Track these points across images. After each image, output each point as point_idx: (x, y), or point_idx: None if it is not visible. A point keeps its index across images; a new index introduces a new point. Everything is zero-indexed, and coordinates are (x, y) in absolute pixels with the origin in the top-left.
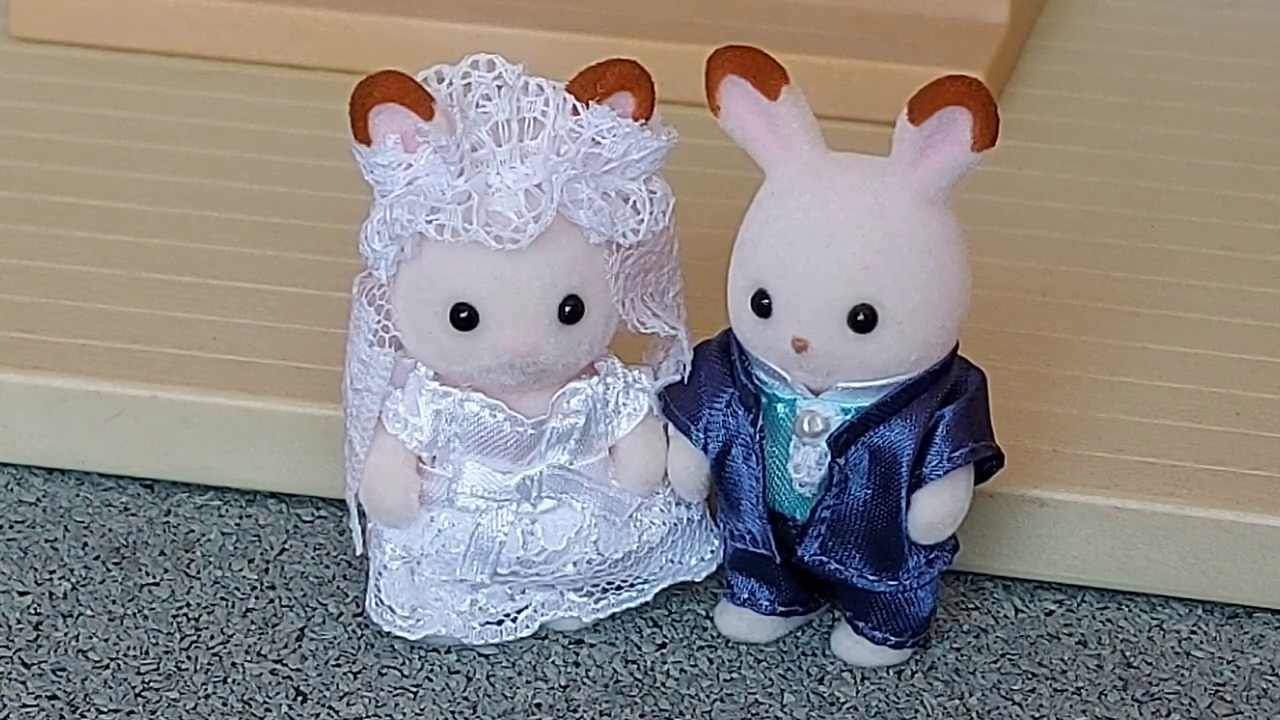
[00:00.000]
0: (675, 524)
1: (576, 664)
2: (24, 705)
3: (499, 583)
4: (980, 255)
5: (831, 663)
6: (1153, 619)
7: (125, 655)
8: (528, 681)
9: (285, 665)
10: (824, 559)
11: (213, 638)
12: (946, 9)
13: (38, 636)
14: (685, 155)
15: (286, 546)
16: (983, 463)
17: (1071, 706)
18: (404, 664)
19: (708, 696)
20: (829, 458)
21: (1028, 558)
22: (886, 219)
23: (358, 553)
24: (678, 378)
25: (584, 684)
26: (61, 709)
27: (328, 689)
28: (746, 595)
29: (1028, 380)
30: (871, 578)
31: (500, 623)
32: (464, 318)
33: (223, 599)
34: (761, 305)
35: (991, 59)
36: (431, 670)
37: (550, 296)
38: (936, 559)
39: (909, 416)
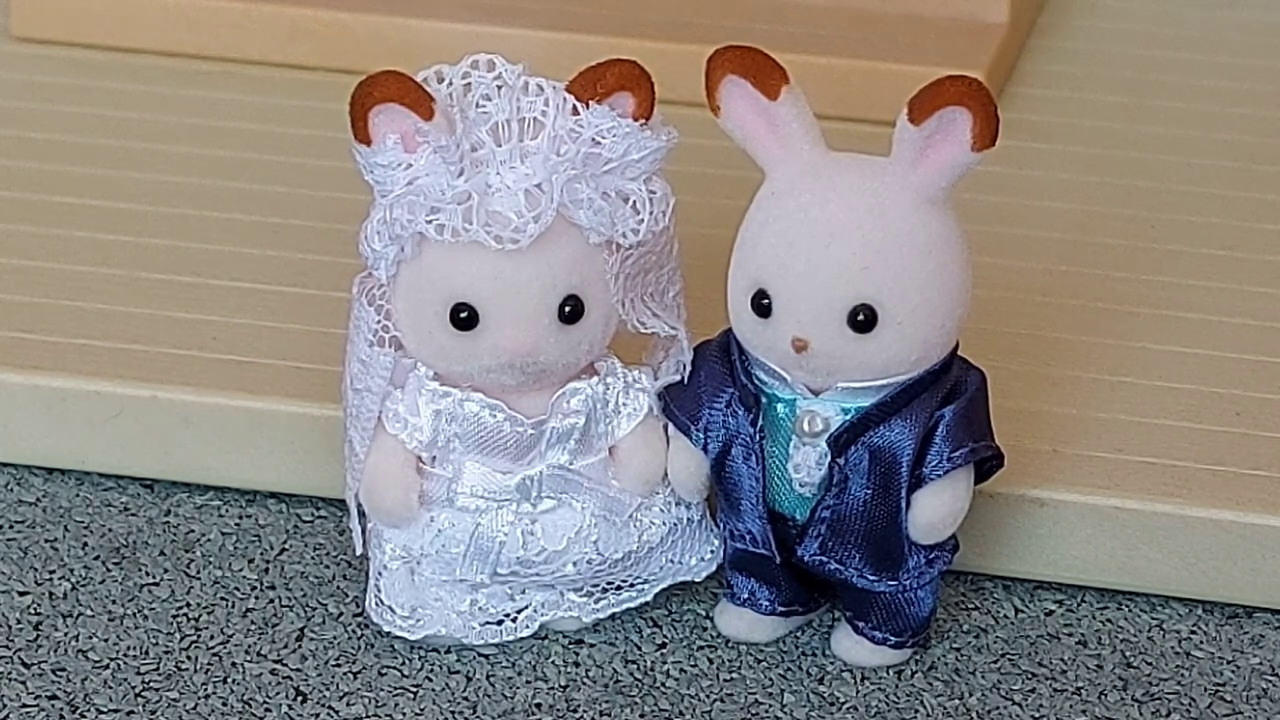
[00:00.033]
0: (675, 524)
1: (576, 664)
2: (24, 705)
3: (499, 583)
4: (980, 255)
5: (831, 663)
6: (1153, 619)
7: (125, 655)
8: (528, 681)
9: (285, 665)
10: (824, 559)
11: (213, 638)
12: (946, 9)
13: (38, 636)
14: (685, 155)
15: (286, 546)
16: (983, 463)
17: (1071, 706)
18: (404, 664)
19: (708, 696)
20: (829, 458)
21: (1028, 558)
22: (886, 219)
23: (358, 553)
24: (678, 378)
25: (584, 684)
26: (61, 709)
27: (328, 689)
28: (746, 595)
29: (1028, 380)
30: (871, 578)
31: (500, 623)
32: (464, 318)
33: (223, 599)
34: (761, 305)
35: (991, 59)
36: (431, 670)
37: (550, 296)
38: (936, 559)
39: (909, 416)
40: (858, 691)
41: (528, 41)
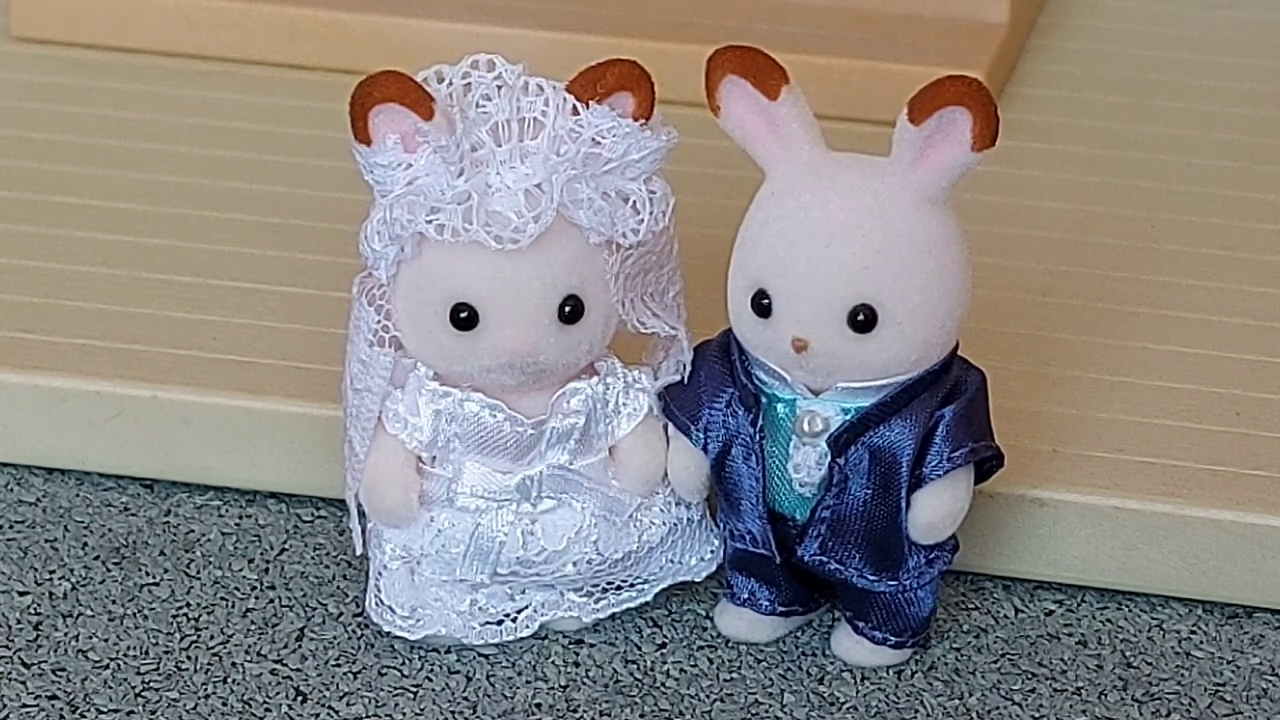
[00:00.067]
0: (675, 524)
1: (576, 664)
2: (24, 705)
3: (499, 583)
4: (980, 255)
5: (831, 663)
6: (1153, 619)
7: (125, 655)
8: (528, 681)
9: (285, 665)
10: (824, 559)
11: (213, 638)
12: (946, 9)
13: (38, 636)
14: (685, 155)
15: (286, 546)
16: (983, 463)
17: (1071, 706)
18: (404, 664)
19: (708, 696)
20: (829, 458)
21: (1028, 558)
22: (886, 219)
23: (358, 553)
24: (678, 378)
25: (584, 684)
26: (61, 709)
27: (328, 689)
28: (746, 595)
29: (1028, 380)
30: (871, 578)
31: (500, 623)
32: (464, 318)
33: (223, 599)
34: (761, 305)
35: (991, 59)
36: (431, 670)
37: (550, 296)
38: (936, 559)
39: (909, 416)
40: (858, 691)
41: (528, 41)
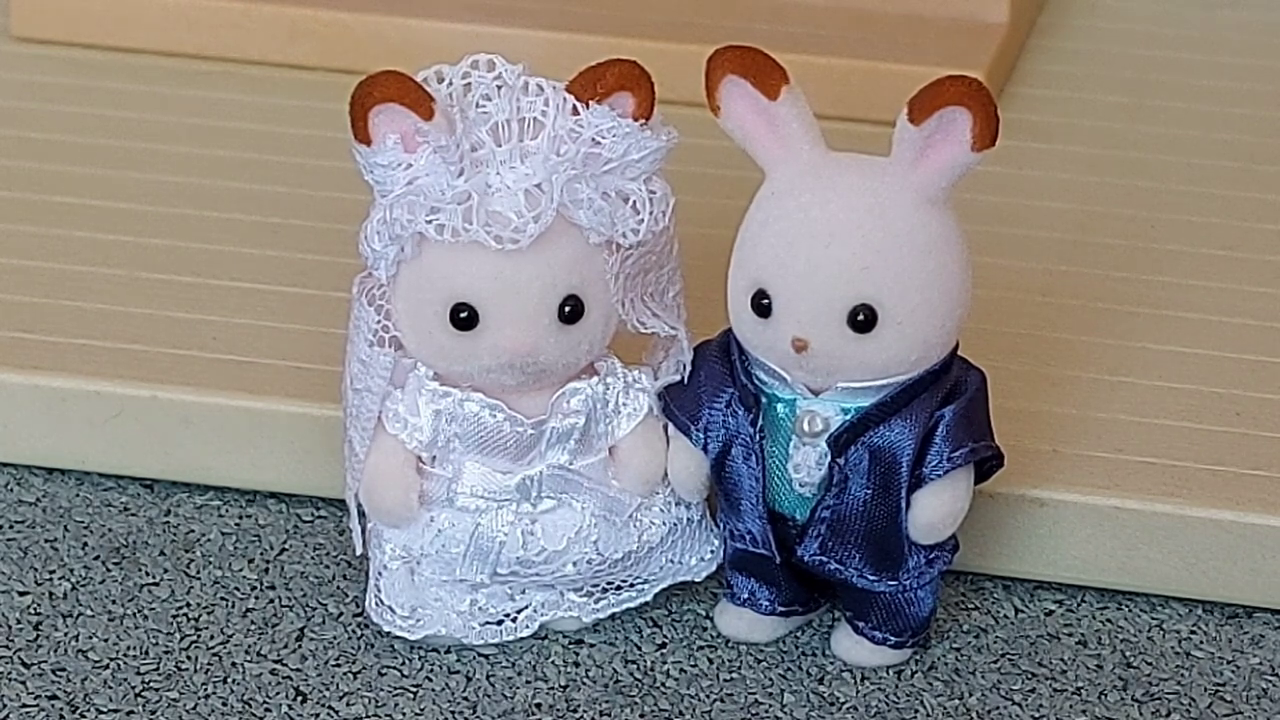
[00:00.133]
0: (675, 524)
1: (576, 664)
2: (24, 705)
3: (499, 583)
4: (980, 255)
5: (831, 663)
6: (1153, 619)
7: (125, 655)
8: (528, 681)
9: (285, 665)
10: (824, 559)
11: (213, 638)
12: (946, 9)
13: (38, 636)
14: (685, 155)
15: (286, 546)
16: (983, 463)
17: (1071, 706)
18: (404, 664)
19: (708, 696)
20: (829, 458)
21: (1028, 558)
22: (886, 219)
23: (358, 553)
24: (678, 378)
25: (584, 684)
26: (61, 709)
27: (328, 689)
28: (746, 595)
29: (1028, 380)
30: (871, 578)
31: (500, 623)
32: (464, 318)
33: (223, 599)
34: (761, 305)
35: (991, 59)
36: (431, 670)
37: (550, 296)
38: (936, 559)
39: (909, 416)
40: (858, 691)
41: (528, 41)
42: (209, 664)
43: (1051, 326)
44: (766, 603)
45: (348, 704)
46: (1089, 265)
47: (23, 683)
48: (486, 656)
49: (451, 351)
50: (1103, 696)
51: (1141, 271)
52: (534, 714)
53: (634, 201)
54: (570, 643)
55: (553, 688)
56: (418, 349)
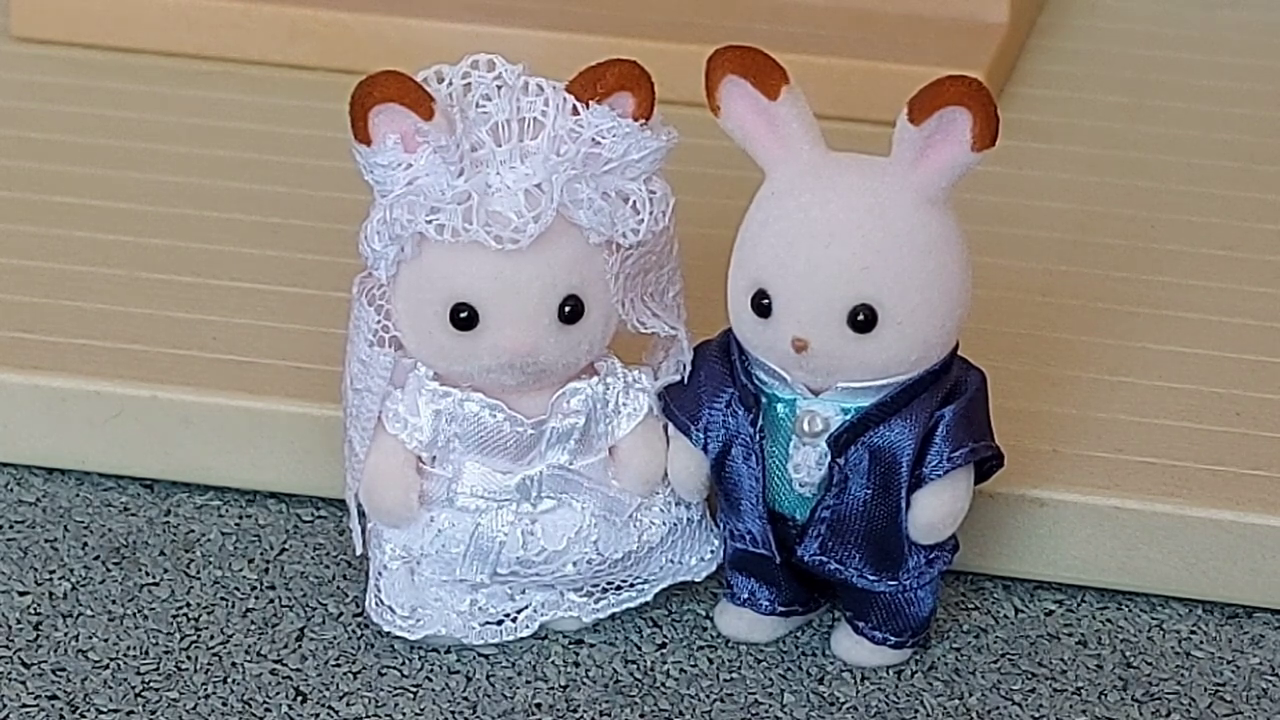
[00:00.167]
0: (675, 524)
1: (576, 664)
2: (24, 705)
3: (499, 583)
4: (980, 255)
5: (831, 663)
6: (1153, 619)
7: (125, 655)
8: (528, 681)
9: (285, 665)
10: (824, 559)
11: (213, 638)
12: (946, 9)
13: (38, 636)
14: (685, 155)
15: (286, 546)
16: (983, 463)
17: (1071, 706)
18: (404, 664)
19: (708, 696)
20: (829, 458)
21: (1028, 558)
22: (886, 219)
23: (358, 553)
24: (678, 378)
25: (584, 684)
26: (61, 709)
27: (328, 689)
28: (746, 595)
29: (1028, 380)
30: (871, 578)
31: (500, 623)
32: (464, 318)
33: (223, 599)
34: (761, 305)
35: (991, 59)
36: (431, 670)
37: (550, 296)
38: (936, 559)
39: (909, 416)
40: (858, 691)
41: (528, 41)
42: (209, 664)
43: (1051, 326)
44: (766, 603)
45: (348, 704)
46: (1089, 265)
47: (23, 683)
48: (486, 656)
49: (451, 351)
50: (1103, 696)
51: (1141, 271)
52: (534, 714)
53: (634, 201)
54: (570, 643)
55: (553, 688)
56: (418, 349)
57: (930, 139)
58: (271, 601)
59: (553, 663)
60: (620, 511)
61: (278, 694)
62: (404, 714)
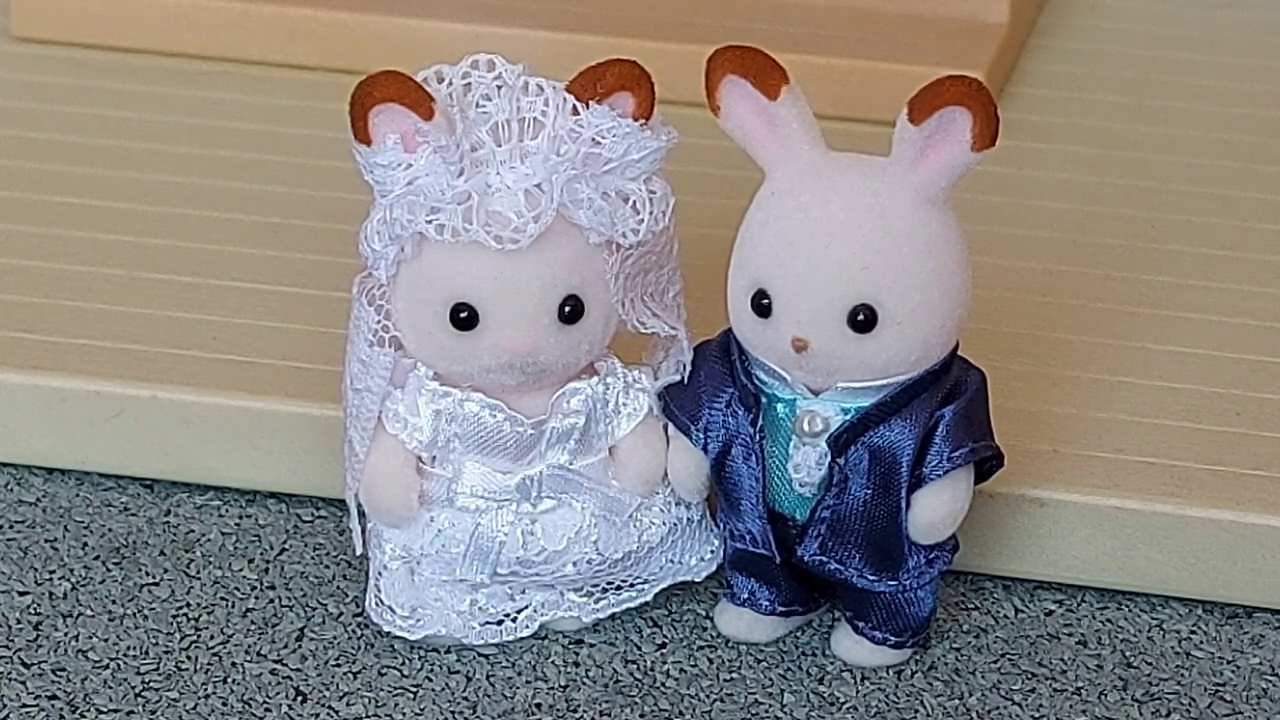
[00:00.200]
0: (675, 524)
1: (576, 664)
2: (24, 705)
3: (499, 583)
4: (980, 255)
5: (831, 663)
6: (1153, 619)
7: (125, 655)
8: (528, 681)
9: (285, 665)
10: (824, 559)
11: (213, 638)
12: (946, 9)
13: (38, 636)
14: (685, 155)
15: (286, 546)
16: (983, 463)
17: (1071, 706)
18: (404, 664)
19: (708, 696)
20: (829, 458)
21: (1028, 558)
22: (886, 219)
23: (358, 553)
24: (678, 378)
25: (584, 684)
26: (61, 709)
27: (328, 689)
28: (746, 595)
29: (1028, 380)
30: (871, 578)
31: (500, 623)
32: (464, 318)
33: (223, 599)
34: (761, 305)
35: (991, 59)
36: (431, 670)
37: (550, 296)
38: (936, 559)
39: (909, 416)
40: (858, 691)
41: (528, 41)
42: (209, 664)
43: (1051, 326)
44: (766, 603)
45: (348, 704)
46: (1089, 265)
47: (23, 683)
48: (486, 656)
49: (451, 351)
50: (1103, 696)
51: (1141, 271)
52: (534, 714)
53: (634, 201)
54: (570, 643)
55: (553, 688)
56: (418, 349)
57: (930, 139)
58: (271, 601)
59: (553, 663)
60: (620, 511)
61: (278, 694)
62: (404, 714)
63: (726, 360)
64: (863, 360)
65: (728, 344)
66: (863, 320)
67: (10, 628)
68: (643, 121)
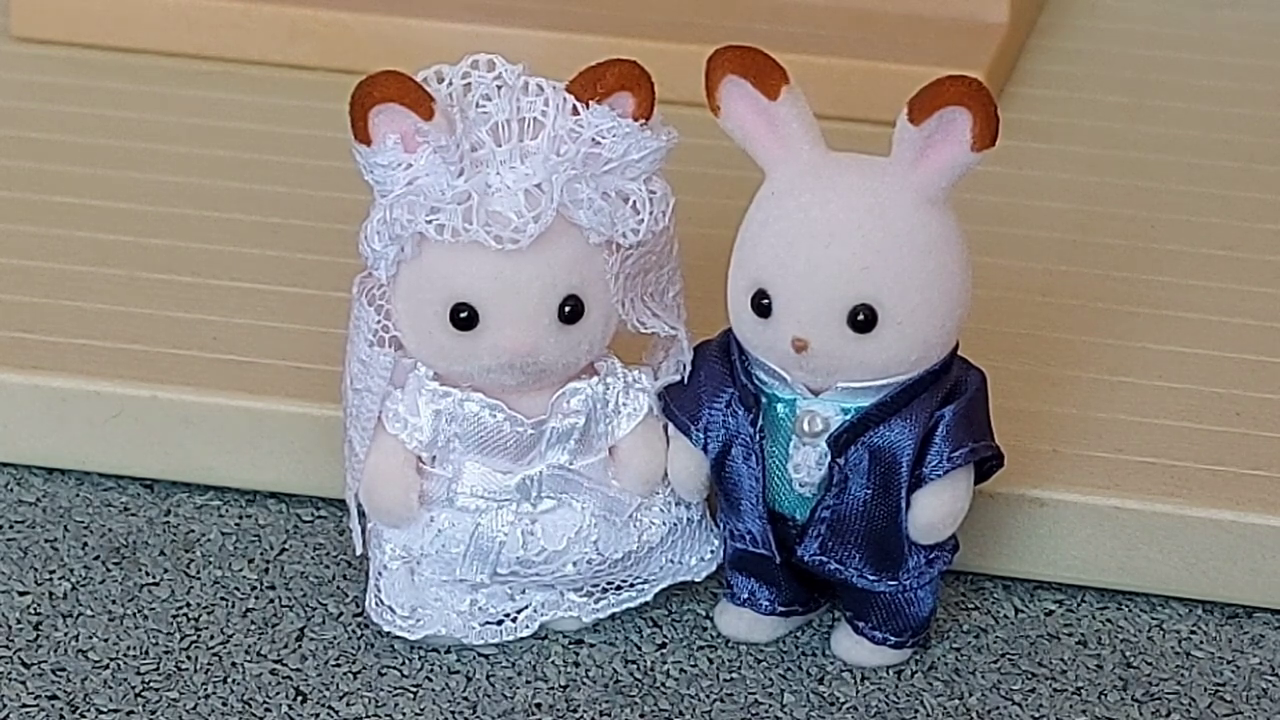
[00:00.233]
0: (675, 524)
1: (576, 664)
2: (24, 705)
3: (499, 583)
4: (980, 255)
5: (831, 663)
6: (1153, 619)
7: (125, 655)
8: (528, 681)
9: (285, 665)
10: (824, 559)
11: (213, 638)
12: (946, 9)
13: (38, 636)
14: (685, 155)
15: (286, 546)
16: (983, 463)
17: (1071, 706)
18: (404, 664)
19: (708, 696)
20: (829, 458)
21: (1028, 558)
22: (886, 219)
23: (358, 553)
24: (678, 378)
25: (584, 684)
26: (61, 709)
27: (328, 689)
28: (746, 595)
29: (1028, 380)
30: (871, 578)
31: (500, 623)
32: (464, 318)
33: (223, 599)
34: (761, 305)
35: (991, 59)
36: (431, 670)
37: (550, 296)
38: (936, 559)
39: (909, 416)
40: (858, 691)
41: (528, 41)
42: (209, 664)
43: (1051, 326)
44: (766, 603)
45: (348, 704)
46: (1089, 265)
47: (23, 683)
48: (486, 656)
49: (451, 351)
50: (1103, 696)
51: (1141, 271)
52: (534, 714)
53: (634, 201)
54: (570, 643)
55: (553, 688)
56: (418, 349)
57: (930, 139)
58: (271, 601)
59: (553, 663)
60: (620, 511)
61: (278, 694)
62: (404, 714)
63: (726, 360)
64: (863, 360)
65: (728, 344)
66: (863, 320)
67: (10, 628)
68: (643, 121)
